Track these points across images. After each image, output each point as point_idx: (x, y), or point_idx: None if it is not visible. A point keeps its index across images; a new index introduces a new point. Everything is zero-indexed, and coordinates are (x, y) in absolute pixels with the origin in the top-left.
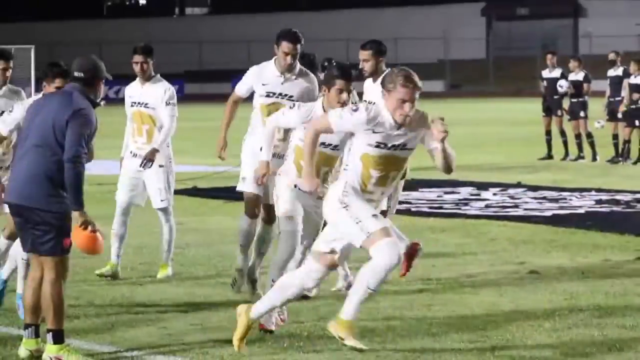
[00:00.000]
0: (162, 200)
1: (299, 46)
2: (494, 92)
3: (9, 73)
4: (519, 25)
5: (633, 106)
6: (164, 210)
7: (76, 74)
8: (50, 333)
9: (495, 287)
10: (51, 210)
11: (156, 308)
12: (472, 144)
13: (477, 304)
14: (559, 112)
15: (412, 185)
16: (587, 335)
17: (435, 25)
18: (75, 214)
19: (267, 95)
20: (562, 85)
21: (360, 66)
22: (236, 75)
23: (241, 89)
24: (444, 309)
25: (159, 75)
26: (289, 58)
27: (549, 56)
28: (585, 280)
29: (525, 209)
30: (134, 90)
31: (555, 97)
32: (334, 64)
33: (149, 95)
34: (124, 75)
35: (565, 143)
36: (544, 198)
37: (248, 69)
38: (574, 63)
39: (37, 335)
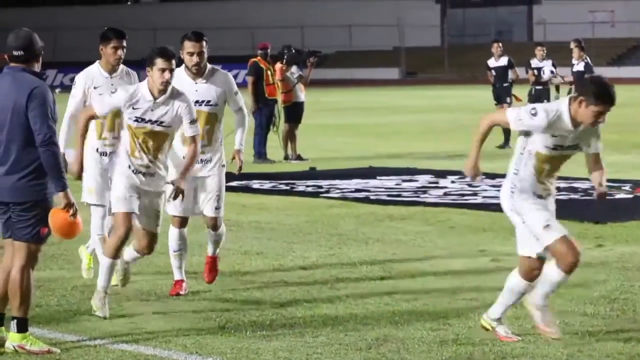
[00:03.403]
0: None
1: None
2: (449, 79)
3: (120, 52)
4: (474, 12)
5: None
6: None
7: (15, 52)
8: (15, 321)
9: (457, 275)
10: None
11: (118, 297)
12: (427, 131)
13: (439, 292)
14: (508, 100)
15: (371, 173)
16: None
17: (390, 12)
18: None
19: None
20: (545, 72)
21: (190, 63)
22: None
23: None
24: (405, 297)
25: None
26: (119, 52)
27: (494, 45)
28: None
29: (484, 197)
30: None
31: (505, 84)
32: (291, 50)
33: None
34: (77, 62)
35: (509, 131)
36: None
37: None
38: (540, 51)
39: (1, 324)
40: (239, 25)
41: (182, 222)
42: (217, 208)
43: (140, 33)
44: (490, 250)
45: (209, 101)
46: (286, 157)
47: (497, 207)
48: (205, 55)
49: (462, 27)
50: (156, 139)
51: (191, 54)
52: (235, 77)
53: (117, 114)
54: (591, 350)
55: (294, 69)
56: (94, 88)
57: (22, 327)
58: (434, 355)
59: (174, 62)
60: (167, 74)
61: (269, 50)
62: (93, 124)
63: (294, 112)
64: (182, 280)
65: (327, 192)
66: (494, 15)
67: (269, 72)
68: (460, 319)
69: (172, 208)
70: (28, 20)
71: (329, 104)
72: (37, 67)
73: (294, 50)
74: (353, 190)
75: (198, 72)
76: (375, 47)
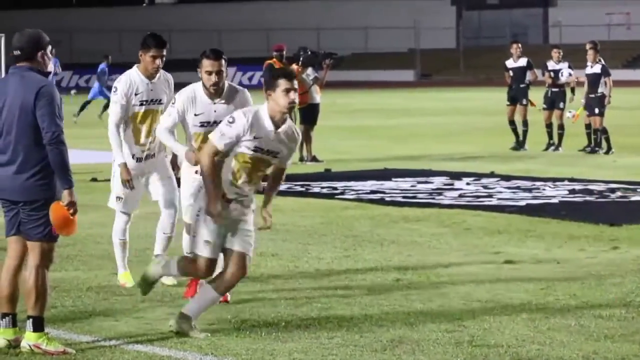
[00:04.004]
0: None
1: (164, 50)
2: (465, 81)
3: (158, 61)
4: (489, 15)
5: (592, 95)
6: None
7: (15, 52)
8: (31, 320)
9: (472, 277)
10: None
11: (132, 297)
12: (443, 133)
13: (454, 294)
14: (524, 101)
15: (386, 175)
16: (563, 325)
17: (405, 14)
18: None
19: (141, 104)
20: (564, 74)
21: (208, 82)
22: None
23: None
24: (420, 298)
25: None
26: (157, 61)
27: (514, 45)
28: (561, 270)
29: (499, 199)
30: None
31: (522, 86)
32: (307, 52)
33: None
34: (93, 64)
35: (524, 133)
36: (518, 188)
37: None
38: (557, 53)
39: (14, 324)
40: (254, 27)
41: None
42: None
43: None
44: (505, 252)
45: None
46: (301, 159)
47: (512, 209)
48: (225, 75)
49: (478, 29)
50: (264, 168)
51: (209, 73)
52: (250, 78)
53: (154, 118)
54: (606, 352)
55: (309, 70)
56: (135, 94)
57: (39, 326)
58: (449, 356)
59: (296, 82)
60: (292, 94)
61: (284, 52)
62: (130, 131)
63: (310, 114)
64: (196, 281)
65: (342, 193)
66: (510, 18)
67: None
68: (475, 321)
69: (185, 212)
70: (44, 22)
71: (344, 105)
72: (43, 67)
73: (309, 52)
74: (368, 191)
75: (216, 92)
76: (391, 49)
